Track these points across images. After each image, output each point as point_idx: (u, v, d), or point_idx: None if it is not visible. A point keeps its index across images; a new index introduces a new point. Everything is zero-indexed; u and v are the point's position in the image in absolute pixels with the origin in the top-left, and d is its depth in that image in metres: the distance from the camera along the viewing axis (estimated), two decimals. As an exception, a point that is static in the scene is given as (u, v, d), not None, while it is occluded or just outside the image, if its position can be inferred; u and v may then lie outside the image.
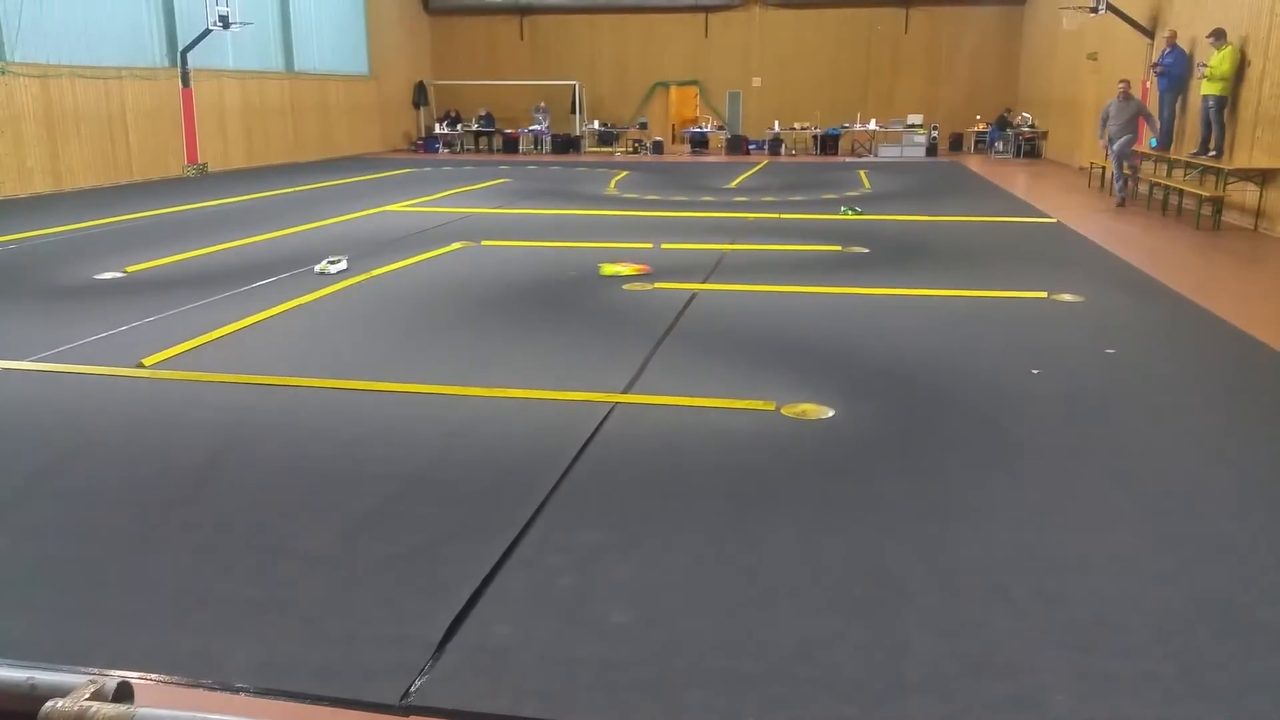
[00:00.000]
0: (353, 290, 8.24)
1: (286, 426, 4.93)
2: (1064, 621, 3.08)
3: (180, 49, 18.94)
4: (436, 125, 27.98)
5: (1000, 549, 3.57)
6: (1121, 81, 13.74)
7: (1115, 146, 13.48)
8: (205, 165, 19.74)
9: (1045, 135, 23.79)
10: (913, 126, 25.23)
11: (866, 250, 10.22)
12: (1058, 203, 14.44)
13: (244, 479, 4.26)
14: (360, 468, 4.37)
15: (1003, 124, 25.09)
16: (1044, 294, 7.92)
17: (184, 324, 7.01)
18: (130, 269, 9.15)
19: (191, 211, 13.77)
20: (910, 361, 6.02)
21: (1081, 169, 19.73)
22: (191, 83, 19.24)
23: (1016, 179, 18.55)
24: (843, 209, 13.35)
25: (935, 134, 25.41)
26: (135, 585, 3.35)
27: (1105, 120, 13.74)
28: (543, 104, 27.68)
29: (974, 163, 22.66)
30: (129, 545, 3.65)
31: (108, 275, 8.91)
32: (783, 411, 5.04)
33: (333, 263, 8.98)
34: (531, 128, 27.55)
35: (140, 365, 5.92)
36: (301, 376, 5.71)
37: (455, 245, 10.48)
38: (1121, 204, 13.34)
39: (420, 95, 28.89)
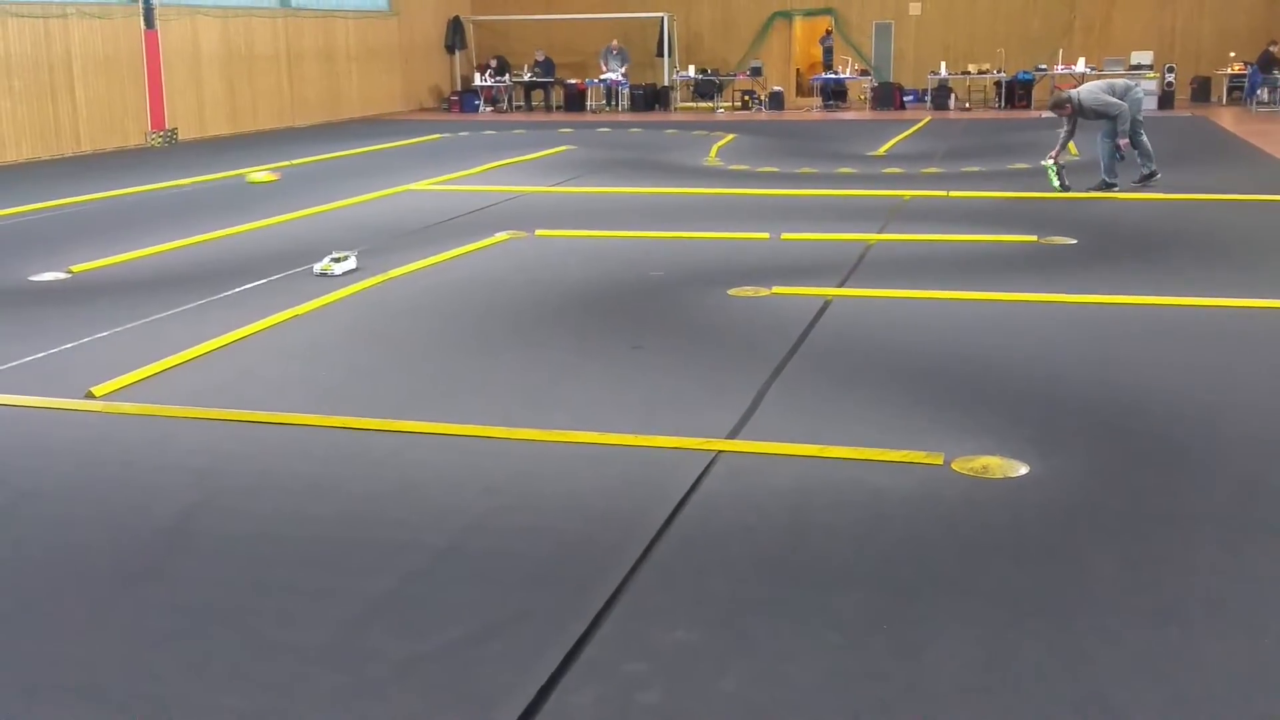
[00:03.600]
0: (365, 297, 8.42)
1: (277, 479, 5.04)
2: (1364, 772, 2.96)
3: (143, -21, 19.70)
4: (477, 76, 28.53)
5: (1268, 665, 3.46)
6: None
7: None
8: (174, 132, 20.46)
9: (1330, 79, 23.11)
10: (1139, 69, 24.75)
11: (1073, 241, 10.05)
12: (1349, 174, 13.99)
13: (221, 548, 4.36)
14: (374, 535, 4.44)
15: (1267, 64, 24.43)
16: (1332, 304, 7.69)
17: (146, 342, 7.25)
18: (76, 269, 9.52)
19: (156, 194, 14.27)
20: (1135, 399, 5.90)
21: (1384, 126, 19.08)
22: (157, 23, 19.98)
23: (1289, 141, 18.04)
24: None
25: (1171, 79, 24.89)
26: (78, 686, 3.45)
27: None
28: (616, 44, 27.93)
29: (1226, 118, 22.12)
30: (71, 634, 3.76)
31: (47, 276, 9.28)
32: (954, 467, 4.98)
33: (338, 260, 9.20)
34: (603, 77, 27.87)
35: (89, 396, 6.13)
36: (298, 413, 5.84)
37: (501, 236, 10.64)
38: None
39: (456, 37, 29.48)
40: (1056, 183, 12.80)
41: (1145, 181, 12.99)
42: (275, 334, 7.45)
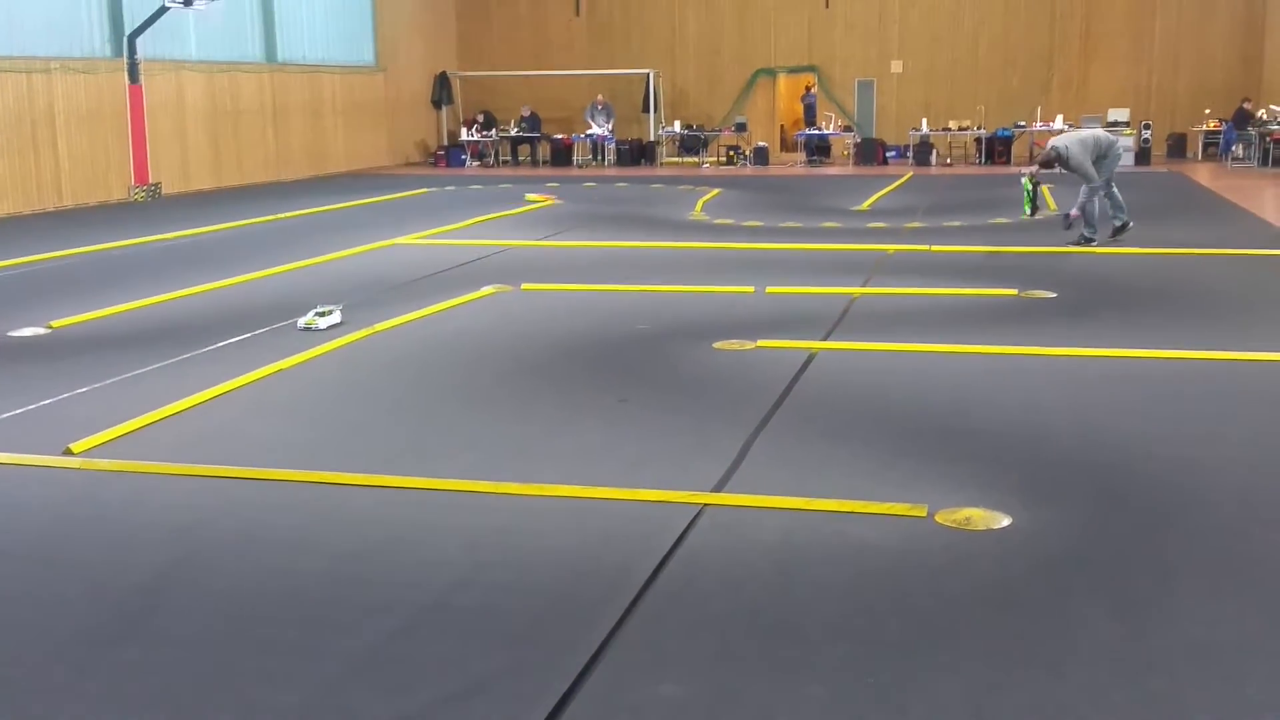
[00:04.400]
0: (349, 351, 8.40)
1: (258, 535, 5.00)
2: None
3: (128, 34, 19.80)
4: (463, 131, 28.69)
5: (1252, 714, 3.45)
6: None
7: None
8: (158, 186, 20.49)
9: (1304, 136, 23.37)
10: (1115, 125, 25.03)
11: (1053, 295, 10.11)
12: (1326, 228, 14.13)
13: (201, 606, 4.32)
14: (356, 593, 4.40)
15: (1242, 121, 24.73)
16: (1311, 356, 7.73)
17: (125, 398, 7.21)
18: (55, 324, 9.48)
19: (138, 248, 14.25)
20: (1118, 451, 5.91)
21: (1359, 181, 19.31)
22: (142, 78, 20.07)
23: (1264, 197, 18.22)
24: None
25: (1148, 135, 25.17)
26: (53, 749, 3.40)
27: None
28: (602, 100, 28.14)
29: (1202, 174, 22.36)
30: (48, 695, 3.71)
31: (26, 332, 9.23)
32: (938, 519, 4.98)
33: (322, 315, 9.18)
34: (589, 133, 28.05)
35: (67, 452, 6.09)
36: (280, 468, 5.80)
37: (487, 290, 10.65)
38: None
39: (442, 92, 29.69)
40: (1028, 209, 12.94)
41: (1119, 234, 13.11)
42: (258, 389, 7.41)
